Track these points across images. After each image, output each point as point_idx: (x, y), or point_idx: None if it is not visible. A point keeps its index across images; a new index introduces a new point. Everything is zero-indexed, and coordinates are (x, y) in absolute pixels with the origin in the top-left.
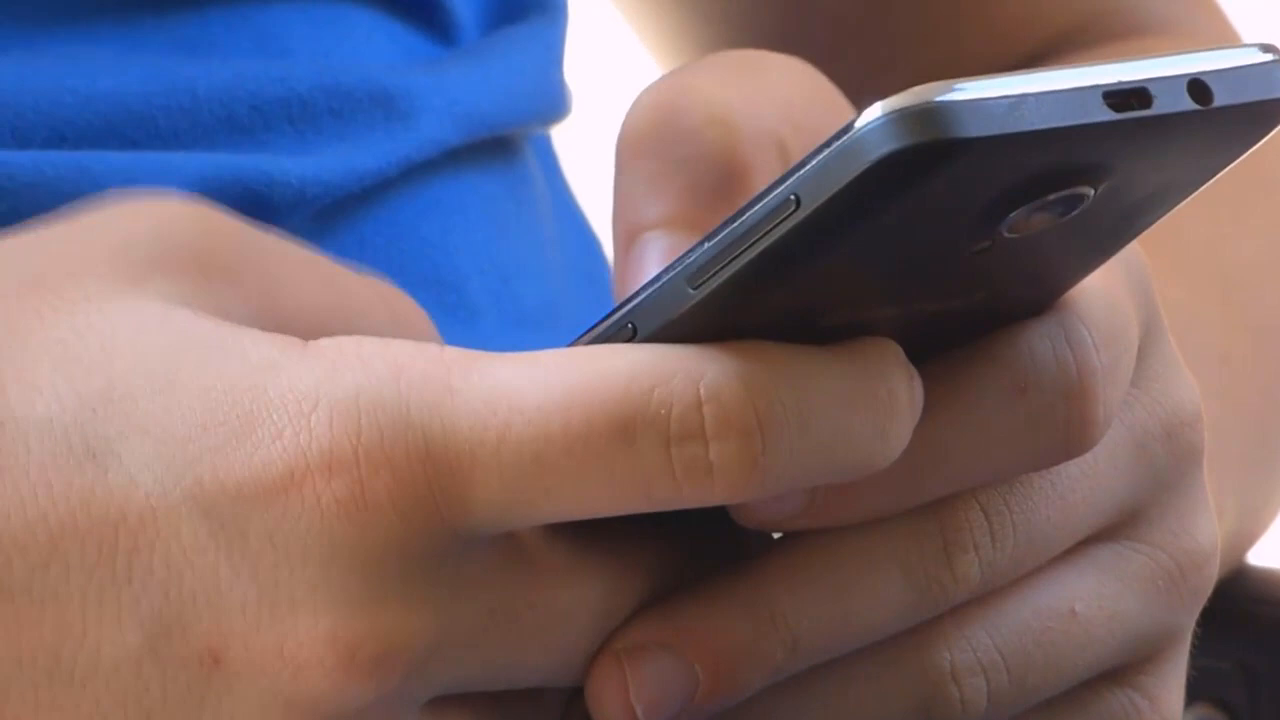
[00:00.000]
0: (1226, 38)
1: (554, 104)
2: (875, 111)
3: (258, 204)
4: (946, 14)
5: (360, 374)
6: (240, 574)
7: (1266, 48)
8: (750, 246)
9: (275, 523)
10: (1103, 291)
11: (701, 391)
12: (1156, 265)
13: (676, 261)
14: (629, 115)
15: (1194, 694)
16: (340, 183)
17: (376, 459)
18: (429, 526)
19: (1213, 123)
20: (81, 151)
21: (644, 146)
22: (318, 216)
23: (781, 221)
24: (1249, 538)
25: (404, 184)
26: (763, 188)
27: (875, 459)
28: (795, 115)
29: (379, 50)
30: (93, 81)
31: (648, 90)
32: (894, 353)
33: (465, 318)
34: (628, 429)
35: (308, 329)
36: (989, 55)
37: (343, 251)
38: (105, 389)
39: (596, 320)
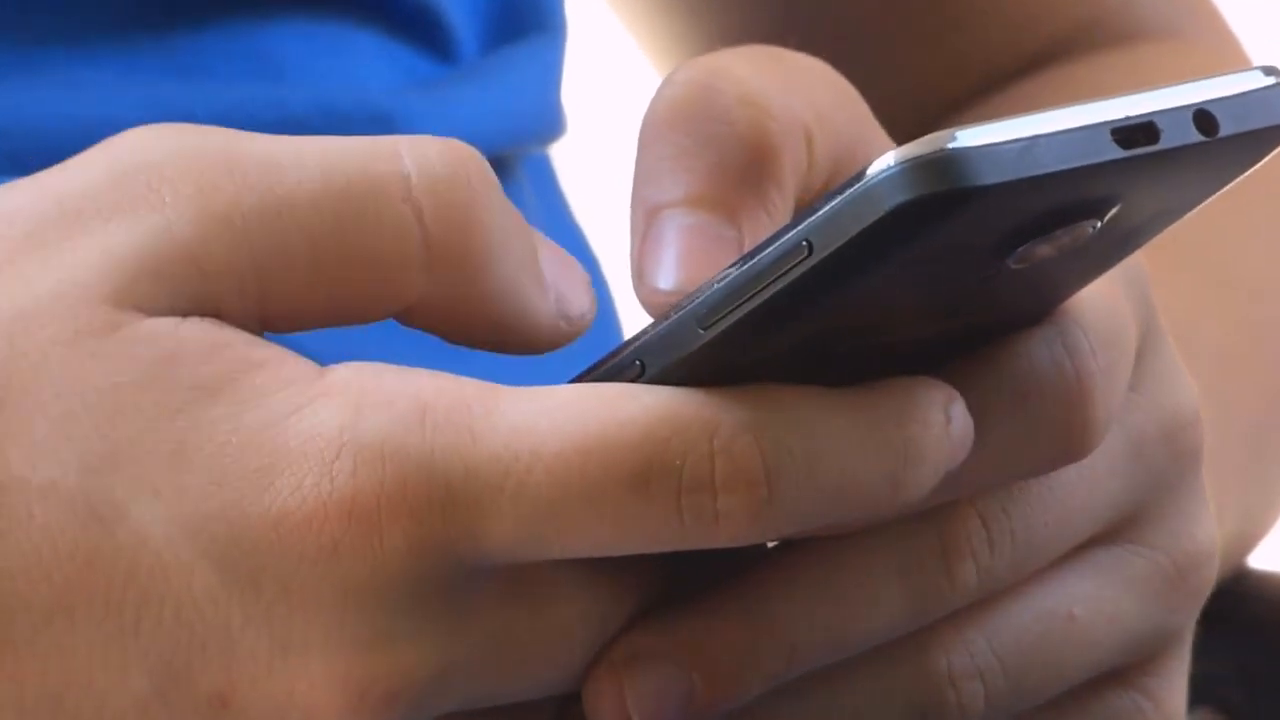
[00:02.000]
0: (1224, 40)
1: (550, 124)
2: (888, 160)
3: None
4: (945, 21)
5: (385, 418)
6: (252, 622)
7: (1269, 70)
8: (761, 290)
9: (290, 571)
10: (1099, 296)
11: (715, 444)
12: (1155, 267)
13: (686, 300)
14: (660, 91)
15: (1194, 697)
16: None
17: (397, 505)
18: (442, 564)
19: (1217, 150)
20: None
21: (674, 123)
22: None
23: (793, 267)
24: (1249, 540)
25: None
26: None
27: (884, 505)
28: (822, 111)
29: (377, 70)
30: (91, 109)
31: (680, 69)
32: (921, 397)
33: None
34: (643, 478)
35: (321, 277)
36: (989, 60)
37: None
38: (110, 451)
39: (606, 354)
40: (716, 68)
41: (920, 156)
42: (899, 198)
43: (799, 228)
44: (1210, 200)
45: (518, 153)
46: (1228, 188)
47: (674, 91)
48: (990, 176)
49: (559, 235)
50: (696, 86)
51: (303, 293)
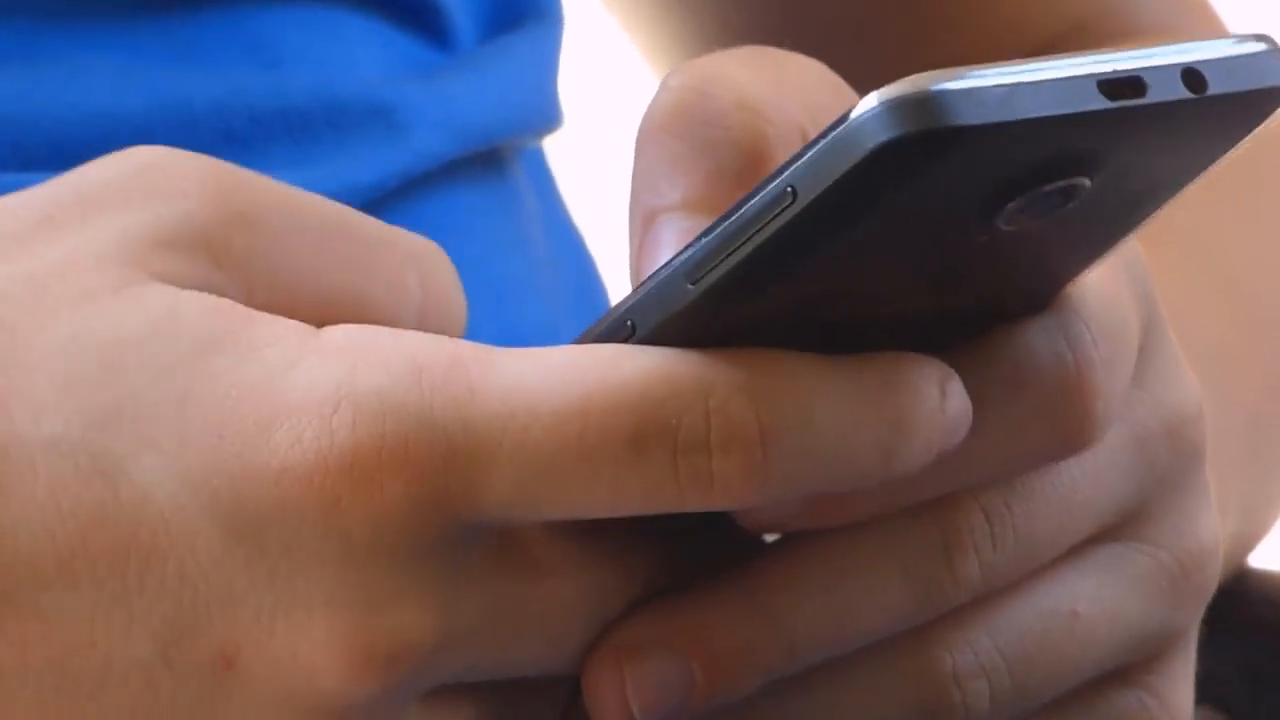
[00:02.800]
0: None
1: (547, 115)
2: (870, 101)
3: None
4: (940, 20)
5: (381, 373)
6: (256, 582)
7: (1261, 37)
8: (748, 240)
9: (293, 529)
10: (1101, 288)
11: (710, 404)
12: (1156, 263)
13: (675, 257)
14: (656, 96)
15: (1196, 697)
16: (340, 199)
17: (399, 460)
18: (441, 522)
19: (1207, 111)
20: None
21: (670, 127)
22: None
23: (779, 214)
24: (1251, 539)
25: (400, 199)
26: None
27: (875, 475)
28: (817, 111)
29: (374, 57)
30: (91, 96)
31: (675, 73)
32: (914, 369)
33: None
34: (639, 439)
35: (320, 306)
36: (987, 58)
37: None
38: (113, 405)
39: (600, 317)
40: (712, 72)
41: (902, 96)
42: (881, 136)
43: (783, 175)
44: (1208, 182)
45: (515, 144)
46: (1223, 159)
47: (670, 96)
48: (972, 117)
49: (554, 231)
50: (692, 91)
51: (299, 311)
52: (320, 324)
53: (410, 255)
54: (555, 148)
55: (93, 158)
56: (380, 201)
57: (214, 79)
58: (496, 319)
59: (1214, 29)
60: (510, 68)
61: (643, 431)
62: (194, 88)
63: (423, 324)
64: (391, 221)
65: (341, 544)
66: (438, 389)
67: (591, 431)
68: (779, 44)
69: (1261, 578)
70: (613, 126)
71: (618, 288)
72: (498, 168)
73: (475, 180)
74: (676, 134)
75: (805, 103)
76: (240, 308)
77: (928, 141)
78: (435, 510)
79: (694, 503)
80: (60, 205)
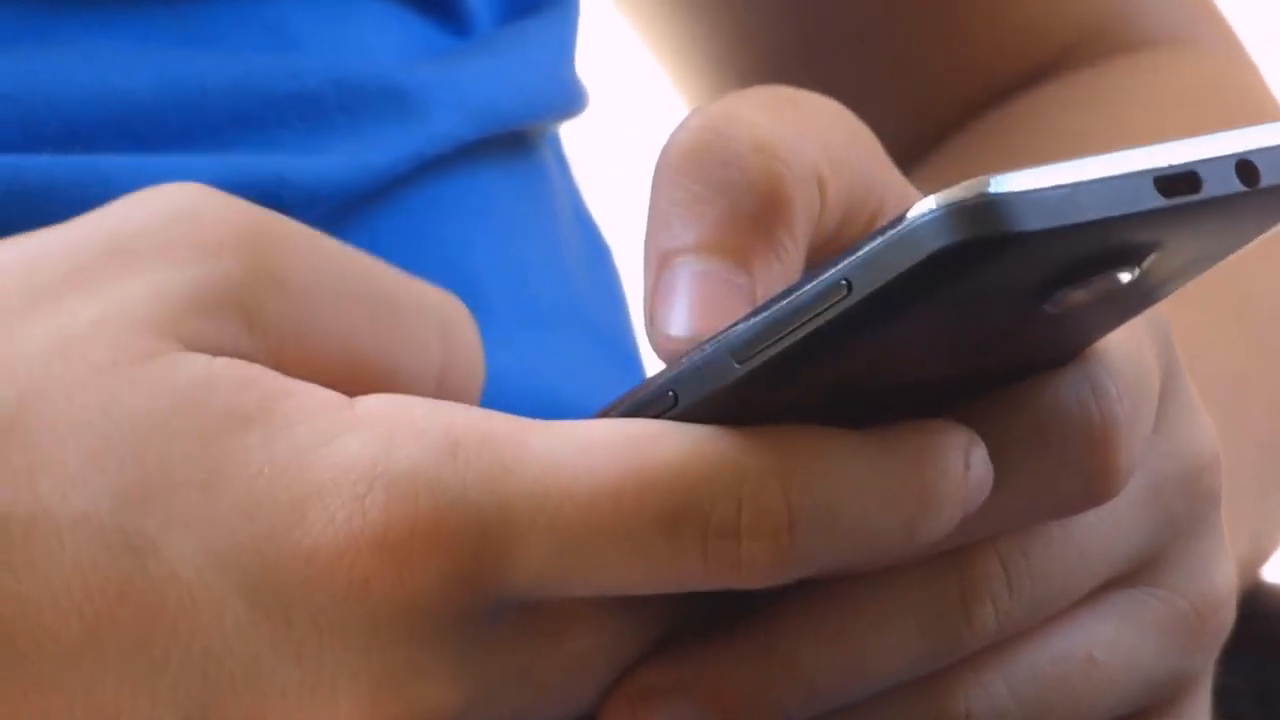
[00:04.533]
0: (1231, 47)
1: (569, 98)
2: (929, 204)
3: (270, 206)
4: (955, 24)
5: (416, 449)
6: (282, 657)
7: None
8: (799, 327)
9: (320, 604)
10: (1125, 341)
11: (744, 491)
12: None
13: (721, 333)
14: (672, 136)
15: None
16: (352, 181)
17: (431, 540)
18: (470, 599)
19: (1257, 200)
20: (94, 155)
21: (686, 168)
22: (330, 216)
23: (832, 305)
24: (1262, 556)
25: (417, 181)
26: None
27: (900, 550)
28: (834, 154)
29: (389, 41)
30: (103, 78)
31: (693, 114)
32: (940, 443)
33: (482, 317)
34: (672, 521)
35: (339, 379)
36: (995, 68)
37: None
38: (143, 482)
39: (637, 385)
40: (729, 113)
41: (962, 201)
42: (940, 242)
43: (839, 266)
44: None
45: (538, 127)
46: (1263, 236)
47: (686, 136)
48: (1032, 223)
49: (574, 221)
50: (709, 131)
51: (326, 370)
52: (345, 383)
53: (435, 314)
54: (570, 138)
55: (104, 139)
56: (394, 183)
57: (227, 61)
58: (516, 300)
59: (1224, 34)
60: (526, 52)
61: (676, 515)
62: (207, 70)
63: (443, 385)
64: (410, 203)
65: (370, 622)
66: (472, 465)
67: (625, 512)
68: (787, 48)
69: (1274, 593)
70: (626, 119)
71: (632, 282)
72: (522, 150)
73: (497, 162)
74: (693, 174)
75: (822, 144)
76: (272, 377)
77: (986, 248)
78: (465, 588)
79: (719, 583)
80: (94, 254)
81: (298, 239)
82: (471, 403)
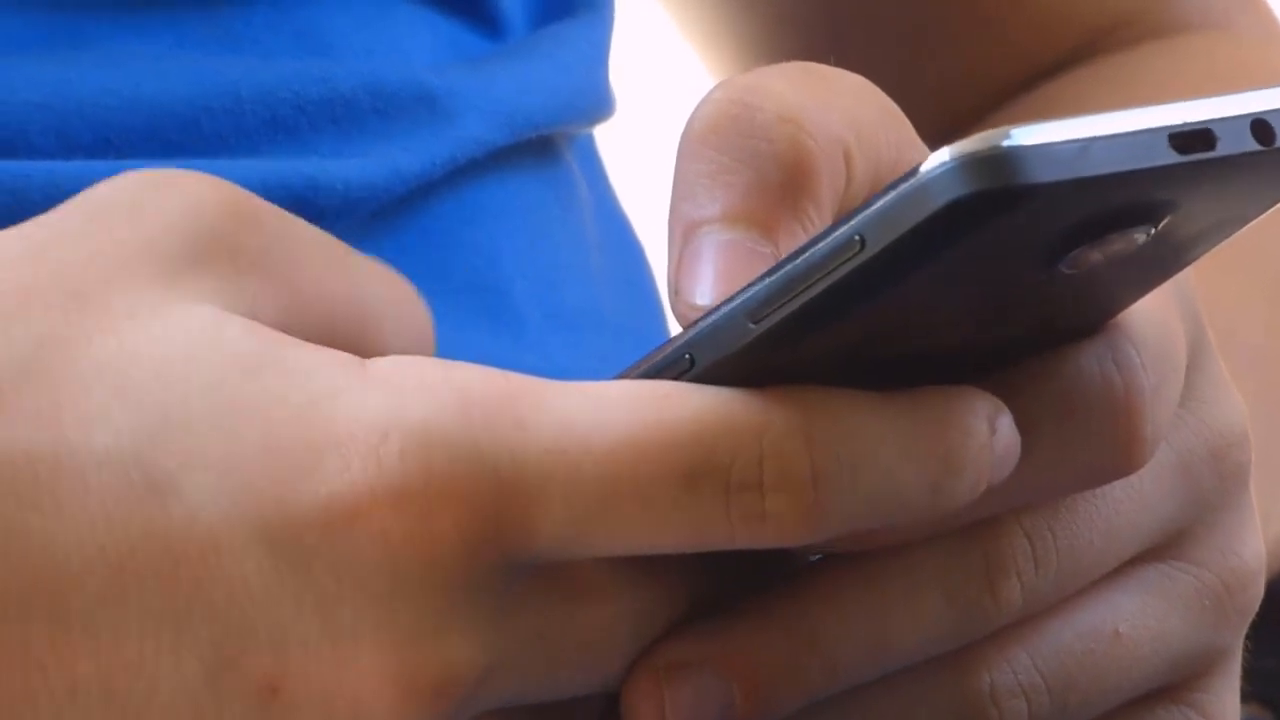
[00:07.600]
0: (1270, 31)
1: (599, 104)
2: (943, 156)
3: (303, 210)
4: (989, 7)
5: (428, 404)
6: (303, 608)
7: None
8: (813, 284)
9: (340, 556)
10: (1151, 312)
11: (764, 445)
12: (1198, 268)
13: (737, 294)
14: (698, 108)
15: (1241, 694)
16: (385, 185)
17: (447, 493)
18: (491, 557)
19: (1273, 161)
20: (127, 161)
21: (712, 139)
22: (362, 221)
23: (846, 261)
24: None
25: (448, 186)
26: (825, 212)
27: (924, 511)
28: (862, 129)
29: (422, 46)
30: (137, 84)
31: (719, 86)
32: (964, 406)
33: (509, 322)
34: (692, 476)
35: (321, 317)
36: (1028, 54)
37: (385, 257)
38: (163, 419)
39: (654, 349)
40: (755, 85)
41: (975, 153)
42: (953, 193)
43: (851, 222)
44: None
45: (567, 132)
46: None
47: (712, 108)
48: (1045, 175)
49: (604, 220)
50: (735, 103)
51: (312, 319)
52: (331, 333)
53: (382, 277)
54: (604, 138)
55: (138, 145)
56: (427, 188)
57: (260, 67)
58: (544, 304)
59: (1263, 19)
60: (560, 56)
61: (696, 470)
62: (240, 75)
63: (398, 335)
64: (441, 209)
65: (390, 577)
66: (485, 423)
67: (644, 468)
68: (817, 35)
69: None
70: (657, 118)
71: (664, 278)
72: (551, 155)
73: (525, 168)
74: (718, 145)
75: (849, 118)
76: (279, 333)
77: (999, 199)
78: (485, 545)
79: (744, 540)
80: (113, 208)
81: (248, 192)
82: None
